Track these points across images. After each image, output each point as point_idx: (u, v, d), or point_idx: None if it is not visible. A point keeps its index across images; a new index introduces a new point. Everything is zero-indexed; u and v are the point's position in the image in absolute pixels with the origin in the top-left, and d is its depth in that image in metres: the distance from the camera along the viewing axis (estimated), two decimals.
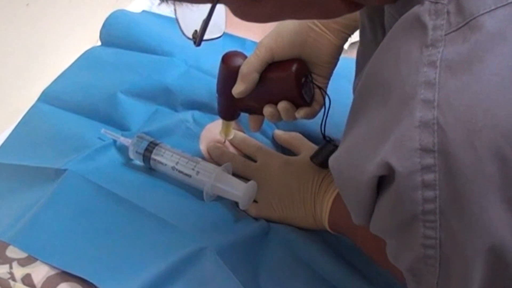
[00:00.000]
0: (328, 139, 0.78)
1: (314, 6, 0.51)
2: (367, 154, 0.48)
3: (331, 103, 0.76)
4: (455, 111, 0.43)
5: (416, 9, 0.47)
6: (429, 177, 0.44)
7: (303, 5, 0.51)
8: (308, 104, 0.75)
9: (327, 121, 0.76)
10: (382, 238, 0.53)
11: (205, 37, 0.59)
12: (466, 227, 0.45)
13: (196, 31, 0.61)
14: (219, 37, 0.71)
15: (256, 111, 0.79)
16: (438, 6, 0.46)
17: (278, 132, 0.88)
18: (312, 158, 0.79)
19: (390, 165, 0.45)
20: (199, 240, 0.72)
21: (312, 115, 0.76)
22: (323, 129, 0.76)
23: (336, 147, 0.77)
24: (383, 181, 0.48)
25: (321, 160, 0.78)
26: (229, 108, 0.82)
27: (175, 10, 0.65)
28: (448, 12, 0.45)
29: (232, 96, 0.76)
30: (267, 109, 0.76)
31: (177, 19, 0.68)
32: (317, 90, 0.76)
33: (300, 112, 0.75)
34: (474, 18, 0.44)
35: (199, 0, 0.50)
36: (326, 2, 0.50)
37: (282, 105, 0.74)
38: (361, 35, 0.68)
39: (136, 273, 0.68)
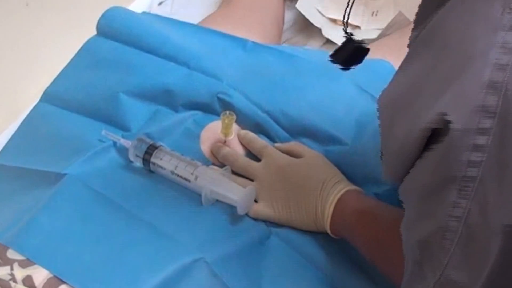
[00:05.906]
0: (350, 34, 0.69)
1: None
2: (423, 101, 0.47)
3: (331, 105, 0.75)
4: None
5: None
6: (482, 140, 0.44)
7: None
8: None
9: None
10: (401, 208, 0.52)
11: None
12: (502, 199, 0.45)
13: None
14: None
15: None
16: None
17: (278, 144, 0.87)
18: (332, 56, 0.71)
19: (448, 119, 0.45)
20: (195, 251, 0.72)
21: None
22: (346, 19, 0.68)
23: (358, 44, 0.69)
24: (433, 137, 0.47)
25: (343, 58, 0.70)
26: None
27: None
28: None
29: None
30: None
31: None
32: None
33: None
34: None
35: None
36: None
37: None
38: None
39: (129, 285, 0.68)
